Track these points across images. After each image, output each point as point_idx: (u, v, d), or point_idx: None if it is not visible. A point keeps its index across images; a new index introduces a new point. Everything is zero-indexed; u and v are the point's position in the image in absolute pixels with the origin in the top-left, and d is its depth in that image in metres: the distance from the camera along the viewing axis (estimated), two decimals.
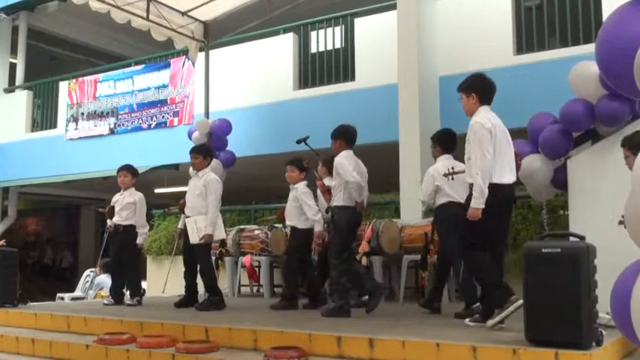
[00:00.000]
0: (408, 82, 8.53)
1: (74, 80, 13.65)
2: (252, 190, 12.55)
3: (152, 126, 12.29)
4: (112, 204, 7.62)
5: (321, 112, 10.17)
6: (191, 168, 7.39)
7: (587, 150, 5.63)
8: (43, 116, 14.33)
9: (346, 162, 5.88)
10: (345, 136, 6.03)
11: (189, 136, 10.01)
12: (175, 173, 11.84)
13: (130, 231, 7.45)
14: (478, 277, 5.04)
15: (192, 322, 5.42)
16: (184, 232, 7.06)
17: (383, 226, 7.29)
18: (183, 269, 7.19)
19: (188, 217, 7.00)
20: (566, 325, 3.79)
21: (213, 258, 8.44)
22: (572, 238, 4.13)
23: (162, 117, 12.15)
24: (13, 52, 15.35)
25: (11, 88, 15.20)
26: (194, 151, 7.21)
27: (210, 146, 9.68)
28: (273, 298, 7.76)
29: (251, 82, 11.26)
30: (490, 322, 4.72)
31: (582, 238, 4.08)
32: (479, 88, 5.11)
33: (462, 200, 5.15)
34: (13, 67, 15.31)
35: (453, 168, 5.61)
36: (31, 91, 14.57)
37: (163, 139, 11.96)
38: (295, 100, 10.72)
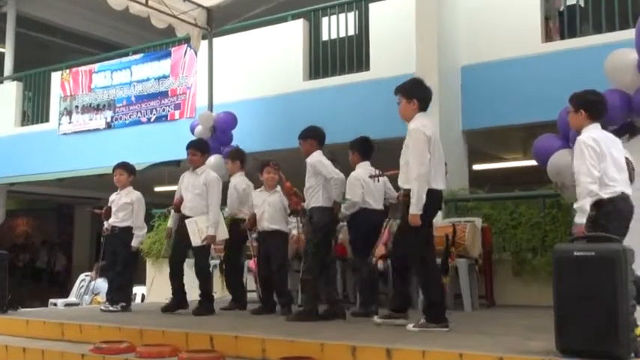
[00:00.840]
0: (427, 72, 8.49)
1: (67, 71, 13.72)
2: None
3: (152, 120, 12.33)
4: (108, 204, 7.66)
5: (333, 105, 10.17)
6: (188, 174, 7.34)
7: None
8: (34, 109, 14.41)
9: (325, 160, 6.24)
10: (318, 137, 6.38)
11: (192, 131, 10.04)
12: (177, 170, 11.84)
13: (127, 233, 7.50)
14: (430, 284, 5.32)
15: (195, 330, 5.44)
16: (179, 232, 7.10)
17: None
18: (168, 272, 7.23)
19: (185, 216, 7.04)
20: (602, 334, 3.76)
21: (218, 261, 8.49)
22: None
23: (163, 110, 12.19)
24: (1, 40, 15.44)
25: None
26: (192, 147, 7.23)
27: (213, 141, 9.74)
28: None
29: (258, 73, 11.27)
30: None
31: (618, 240, 4.05)
32: (421, 95, 5.51)
33: (377, 207, 6.40)
34: (1, 57, 15.40)
35: (377, 171, 6.15)
36: (20, 82, 14.65)
37: (164, 133, 12.00)
38: (305, 91, 10.72)
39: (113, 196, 7.66)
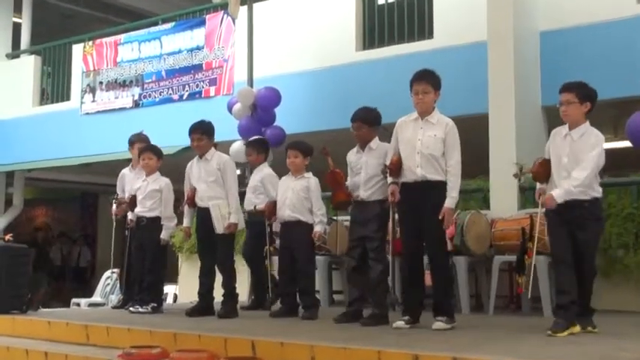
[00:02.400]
0: (501, 40, 8.40)
1: (90, 42, 13.94)
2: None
3: (184, 97, 12.46)
4: (133, 192, 7.75)
5: (390, 78, 10.10)
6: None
7: None
8: (54, 86, 14.67)
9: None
10: (379, 121, 6.56)
11: (229, 109, 10.12)
12: None
13: (156, 224, 7.60)
14: (449, 283, 6.15)
15: (235, 335, 5.50)
16: (202, 225, 7.19)
17: (469, 219, 7.25)
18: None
19: (202, 209, 7.14)
20: None
21: None
22: None
23: (197, 86, 12.31)
24: (17, 9, 15.66)
25: (15, 52, 15.60)
26: (197, 131, 7.25)
27: (254, 121, 9.78)
28: (332, 308, 7.80)
29: (304, 43, 11.28)
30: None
31: None
32: (441, 86, 5.96)
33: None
34: (17, 28, 15.64)
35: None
36: (39, 56, 14.92)
37: (198, 112, 12.02)
38: (358, 63, 10.70)
39: (138, 183, 7.76)
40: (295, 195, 6.94)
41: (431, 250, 5.91)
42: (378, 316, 6.21)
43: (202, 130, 7.28)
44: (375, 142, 6.45)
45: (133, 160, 8.27)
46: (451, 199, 5.73)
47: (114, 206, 8.18)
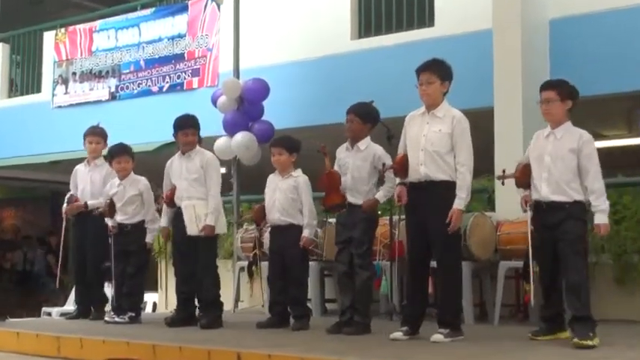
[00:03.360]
0: (507, 28, 8.42)
1: (63, 30, 13.90)
2: None
3: (164, 89, 12.45)
4: (109, 198, 7.73)
5: (388, 69, 10.12)
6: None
7: None
8: (24, 77, 14.65)
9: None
10: (376, 119, 6.58)
11: (214, 102, 10.09)
12: None
13: (140, 229, 7.67)
14: (457, 292, 6.05)
15: (219, 346, 5.51)
16: (179, 227, 7.18)
17: (472, 221, 7.25)
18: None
19: (179, 207, 7.14)
20: None
21: (246, 263, 8.57)
22: None
23: (178, 77, 12.30)
24: None
25: None
26: (192, 126, 7.27)
27: (240, 115, 9.78)
28: (325, 318, 7.81)
29: (295, 30, 11.28)
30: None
31: None
32: (451, 77, 5.99)
33: None
34: None
35: None
36: (7, 44, 14.88)
37: (179, 105, 11.98)
38: (354, 53, 10.70)
39: (114, 189, 7.73)
40: (284, 196, 6.94)
41: (438, 255, 5.90)
42: (360, 325, 6.27)
43: (195, 126, 7.30)
44: (365, 142, 6.45)
45: (88, 155, 8.26)
46: (460, 199, 5.71)
47: (64, 205, 8.18)
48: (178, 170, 7.25)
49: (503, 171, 5.97)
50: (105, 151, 8.10)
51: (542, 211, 5.61)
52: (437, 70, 5.89)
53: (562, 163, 5.57)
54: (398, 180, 6.01)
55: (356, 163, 6.40)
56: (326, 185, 6.54)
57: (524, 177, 5.77)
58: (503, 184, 6.08)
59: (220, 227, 7.34)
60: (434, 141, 5.77)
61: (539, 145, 5.74)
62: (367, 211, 6.33)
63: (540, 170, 5.64)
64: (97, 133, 8.25)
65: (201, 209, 7.04)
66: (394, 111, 6.96)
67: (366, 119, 6.48)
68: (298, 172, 7.04)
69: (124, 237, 7.65)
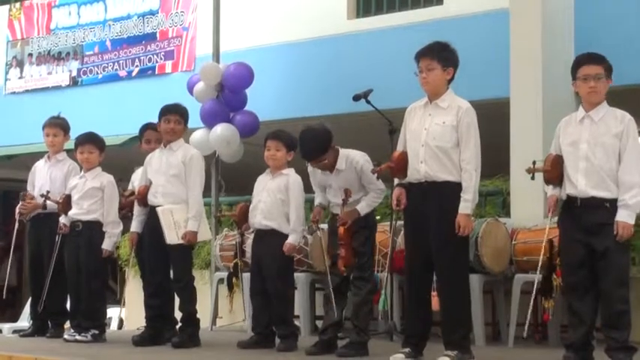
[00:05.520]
0: (526, 9, 8.43)
1: (18, 4, 13.88)
2: None
3: (134, 73, 12.46)
4: (66, 191, 7.72)
5: (389, 54, 10.15)
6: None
7: None
8: None
9: None
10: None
11: (190, 89, 10.09)
12: None
13: (95, 230, 7.55)
14: (465, 308, 5.94)
15: None
16: (151, 232, 7.18)
17: (484, 229, 7.27)
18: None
19: (155, 207, 7.11)
20: None
21: (226, 274, 8.58)
22: None
23: (149, 60, 12.30)
24: None
25: None
26: (177, 113, 7.26)
27: (220, 104, 9.78)
28: (315, 337, 7.82)
29: (284, 9, 11.32)
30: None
31: None
32: (456, 63, 5.89)
33: None
34: None
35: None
36: None
37: (151, 92, 12.08)
38: (351, 34, 10.73)
39: (74, 180, 7.68)
40: (270, 197, 6.91)
41: (442, 267, 5.85)
42: (357, 344, 6.29)
43: (179, 112, 7.28)
44: (342, 159, 6.44)
45: (48, 150, 8.22)
46: (466, 202, 5.66)
47: (19, 204, 8.14)
48: (157, 164, 7.21)
49: (534, 163, 5.83)
50: (67, 145, 8.08)
51: (576, 208, 5.43)
52: (437, 54, 5.83)
53: (603, 150, 5.39)
54: (396, 181, 5.98)
55: (342, 185, 6.38)
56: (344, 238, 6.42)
57: (555, 170, 5.58)
58: (533, 177, 5.90)
59: (203, 234, 7.32)
60: (436, 135, 5.72)
61: (573, 132, 5.55)
62: (344, 221, 6.30)
63: (576, 160, 5.45)
64: (56, 124, 8.20)
65: (180, 214, 7.01)
66: (396, 102, 6.99)
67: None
68: (290, 171, 7.01)
69: (74, 238, 7.55)
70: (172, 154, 7.17)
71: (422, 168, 5.73)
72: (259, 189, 7.06)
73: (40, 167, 8.17)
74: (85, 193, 7.54)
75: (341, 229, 6.28)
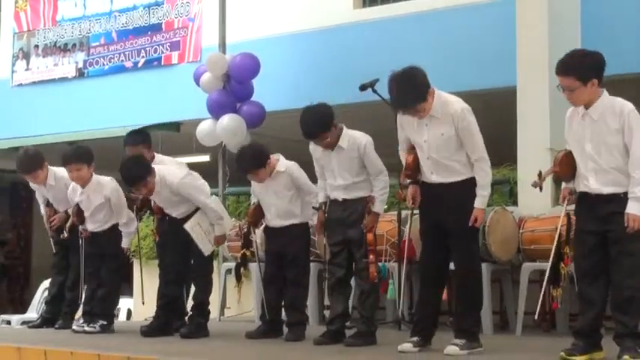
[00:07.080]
0: None
1: None
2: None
3: (140, 64, 12.44)
4: (77, 203, 7.73)
5: (396, 42, 10.12)
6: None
7: None
8: None
9: None
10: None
11: (196, 80, 10.09)
12: (175, 136, 11.95)
13: (115, 232, 7.72)
14: (476, 296, 6.01)
15: (202, 359, 5.50)
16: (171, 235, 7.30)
17: (492, 217, 7.25)
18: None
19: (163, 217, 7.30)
20: None
21: (234, 264, 8.58)
22: None
23: (155, 51, 12.27)
24: None
25: None
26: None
27: (227, 95, 9.78)
28: (323, 327, 7.82)
29: None
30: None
31: None
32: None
33: None
34: None
35: None
36: None
37: (157, 84, 12.09)
38: (357, 23, 10.71)
39: (77, 197, 7.67)
40: (280, 198, 6.95)
41: (457, 258, 5.92)
42: (365, 334, 6.29)
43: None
44: (345, 138, 6.40)
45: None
46: (482, 198, 5.74)
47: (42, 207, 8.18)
48: (157, 199, 7.29)
49: (539, 174, 5.67)
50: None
51: (591, 199, 5.38)
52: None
53: (606, 149, 5.32)
54: (408, 180, 5.99)
55: (342, 165, 6.39)
56: None
57: (566, 168, 5.53)
58: (541, 190, 5.76)
59: (228, 226, 7.52)
60: (438, 147, 5.77)
61: (577, 128, 5.46)
62: (371, 226, 6.31)
63: (584, 160, 5.40)
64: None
65: (204, 221, 7.15)
66: None
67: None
68: (282, 166, 7.00)
69: (98, 238, 7.70)
70: (158, 194, 7.16)
71: (433, 178, 5.82)
72: (260, 189, 7.09)
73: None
74: (94, 210, 7.69)
75: (369, 236, 6.31)
